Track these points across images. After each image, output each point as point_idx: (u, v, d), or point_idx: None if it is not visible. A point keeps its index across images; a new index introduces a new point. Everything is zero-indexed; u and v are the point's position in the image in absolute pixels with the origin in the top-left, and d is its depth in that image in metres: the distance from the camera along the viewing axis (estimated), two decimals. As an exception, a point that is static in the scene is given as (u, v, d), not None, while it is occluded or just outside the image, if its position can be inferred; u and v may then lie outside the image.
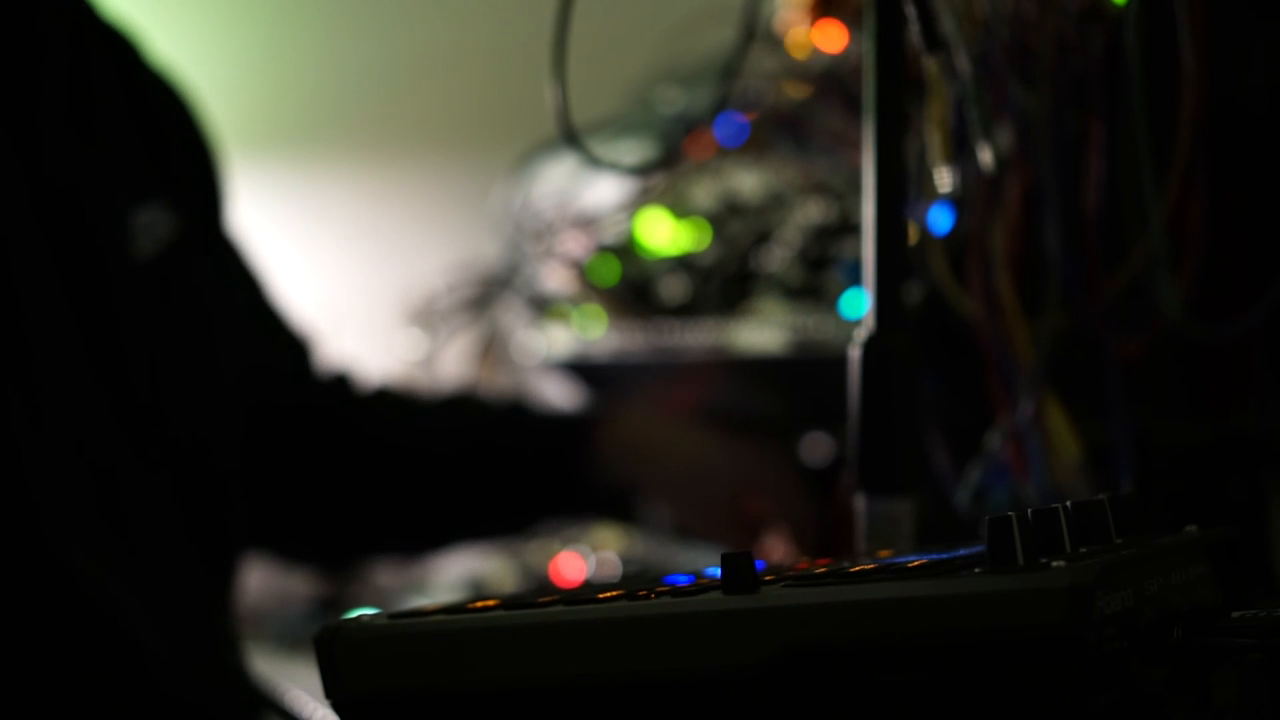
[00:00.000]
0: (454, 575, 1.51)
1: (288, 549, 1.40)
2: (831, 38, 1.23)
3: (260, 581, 1.53)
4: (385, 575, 1.56)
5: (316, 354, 1.38)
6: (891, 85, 0.89)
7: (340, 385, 1.38)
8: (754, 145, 1.27)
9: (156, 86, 1.26)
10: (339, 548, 1.41)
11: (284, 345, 1.36)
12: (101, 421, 1.12)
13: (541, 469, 1.33)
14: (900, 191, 0.90)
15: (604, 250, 1.36)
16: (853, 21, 1.21)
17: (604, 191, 1.38)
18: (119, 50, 1.24)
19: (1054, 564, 0.58)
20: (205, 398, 1.21)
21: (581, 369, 1.43)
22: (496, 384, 1.68)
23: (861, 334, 0.89)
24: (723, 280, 1.27)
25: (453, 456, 1.35)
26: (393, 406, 1.38)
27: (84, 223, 1.14)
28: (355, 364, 1.44)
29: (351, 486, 1.36)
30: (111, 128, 1.19)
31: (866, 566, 0.67)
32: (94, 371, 1.12)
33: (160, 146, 1.24)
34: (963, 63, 0.88)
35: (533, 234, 1.42)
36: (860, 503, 0.89)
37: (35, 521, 1.07)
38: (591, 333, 1.38)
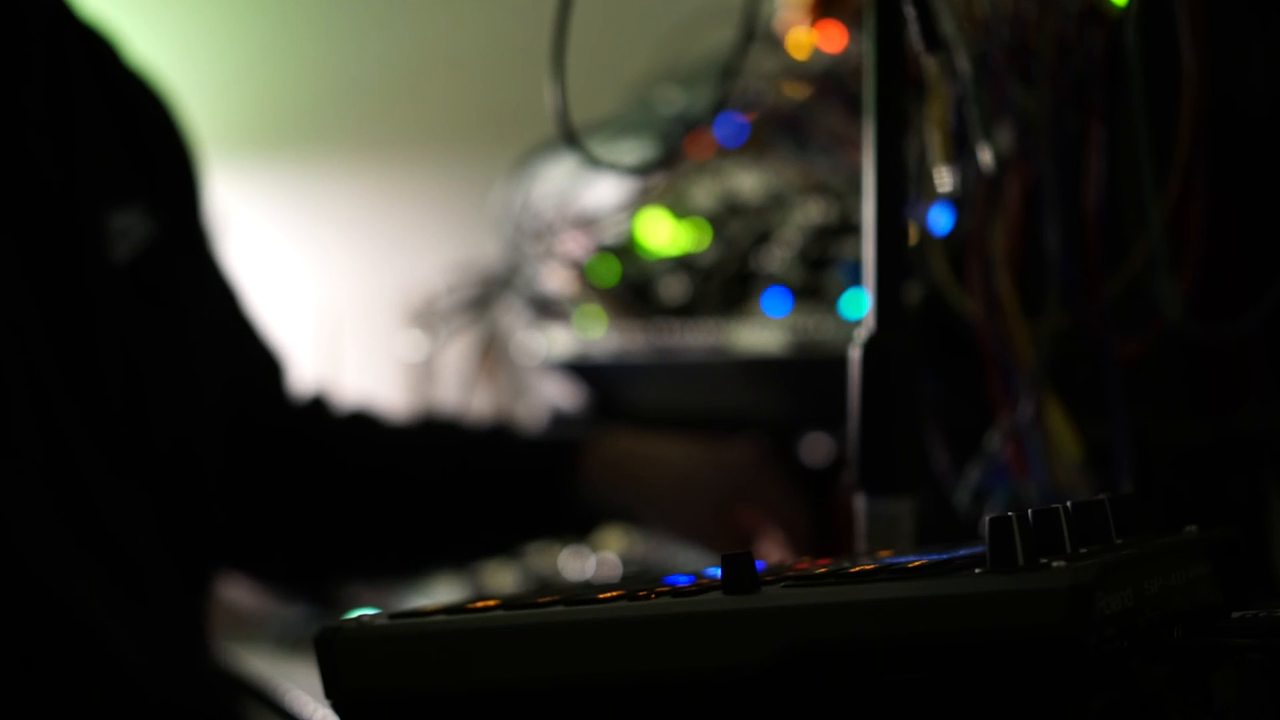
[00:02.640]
0: (454, 576, 1.50)
1: (259, 570, 1.38)
2: (831, 38, 1.23)
3: (260, 582, 1.52)
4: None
5: (290, 374, 1.37)
6: (891, 85, 0.89)
7: (316, 407, 1.37)
8: (754, 145, 1.27)
9: (136, 88, 1.25)
10: (311, 570, 1.38)
11: (259, 361, 1.34)
12: (71, 426, 1.11)
13: (525, 492, 1.32)
14: (900, 191, 0.90)
15: (604, 250, 1.36)
16: (853, 21, 1.21)
17: (604, 191, 1.38)
18: (97, 51, 1.22)
19: (1054, 564, 0.58)
20: (185, 402, 1.20)
21: (581, 369, 1.43)
22: (496, 384, 1.67)
23: (861, 334, 0.89)
24: (723, 280, 1.27)
25: (430, 479, 1.33)
26: (369, 429, 1.36)
27: (60, 226, 1.13)
28: (330, 386, 1.42)
29: (325, 508, 1.34)
30: (90, 129, 1.17)
31: (866, 566, 0.67)
32: (65, 378, 1.10)
33: (139, 149, 1.22)
34: (963, 63, 0.88)
35: (533, 234, 1.42)
36: (860, 503, 0.89)
37: (2, 526, 1.06)
38: (591, 333, 1.37)
